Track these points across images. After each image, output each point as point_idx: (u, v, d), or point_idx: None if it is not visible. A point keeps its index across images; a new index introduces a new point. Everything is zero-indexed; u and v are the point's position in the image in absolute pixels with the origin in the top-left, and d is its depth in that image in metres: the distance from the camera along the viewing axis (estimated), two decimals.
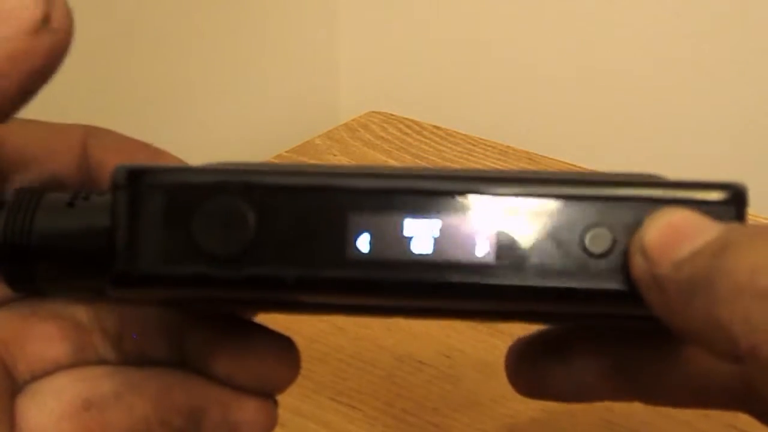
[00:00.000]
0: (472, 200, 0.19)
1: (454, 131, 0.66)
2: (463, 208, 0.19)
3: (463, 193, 0.19)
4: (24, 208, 0.22)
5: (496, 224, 0.19)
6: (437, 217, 0.19)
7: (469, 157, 0.63)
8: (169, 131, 0.61)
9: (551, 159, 0.62)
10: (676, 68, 0.61)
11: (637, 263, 0.19)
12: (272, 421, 0.23)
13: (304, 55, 0.70)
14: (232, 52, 0.64)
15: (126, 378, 0.23)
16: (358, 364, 0.42)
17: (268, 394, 0.23)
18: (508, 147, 0.64)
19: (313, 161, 0.62)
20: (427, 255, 0.19)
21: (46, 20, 0.18)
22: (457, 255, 0.19)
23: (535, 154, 0.63)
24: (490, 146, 0.64)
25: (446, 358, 0.42)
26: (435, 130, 0.66)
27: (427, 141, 0.65)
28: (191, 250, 0.19)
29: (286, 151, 0.63)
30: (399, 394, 0.41)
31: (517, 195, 0.19)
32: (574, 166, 0.62)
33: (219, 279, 0.20)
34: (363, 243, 0.19)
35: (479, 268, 0.19)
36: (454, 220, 0.19)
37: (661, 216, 0.19)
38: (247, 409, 0.23)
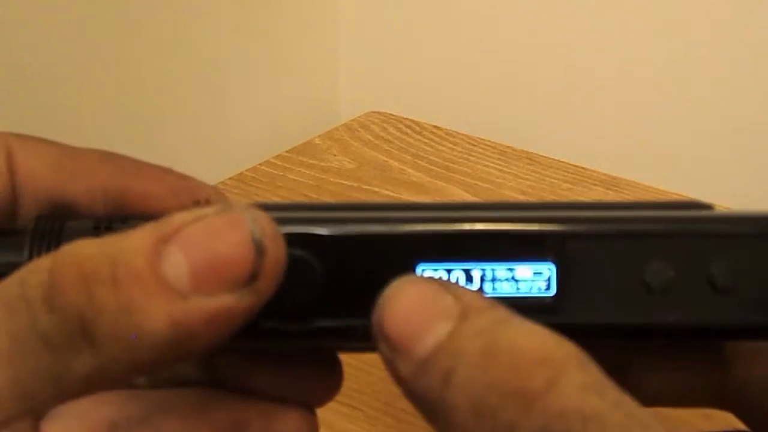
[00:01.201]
0: (534, 241, 0.19)
1: (454, 131, 0.66)
2: (525, 247, 0.19)
3: (525, 234, 0.19)
4: (47, 236, 0.21)
5: (557, 262, 0.19)
6: (502, 260, 0.19)
7: (469, 157, 0.63)
8: (169, 131, 0.61)
9: (551, 159, 0.62)
10: (677, 68, 0.61)
11: (383, 352, 0.18)
12: (315, 431, 0.23)
13: (304, 55, 0.70)
14: (232, 52, 0.64)
15: (155, 400, 0.22)
16: (358, 364, 0.42)
17: (308, 407, 0.23)
18: (508, 147, 0.64)
19: (313, 161, 0.62)
20: (491, 296, 0.19)
21: (254, 278, 0.17)
22: (520, 294, 0.19)
23: (535, 154, 0.63)
24: (490, 146, 0.64)
25: None
26: (435, 130, 0.66)
27: (427, 141, 0.65)
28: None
29: (286, 151, 0.63)
30: (399, 394, 0.40)
31: (579, 233, 0.19)
32: (574, 166, 0.62)
33: (287, 332, 0.19)
34: None
35: (542, 305, 0.19)
36: (516, 259, 0.19)
37: (395, 298, 0.18)
38: (291, 419, 0.22)
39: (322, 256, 0.19)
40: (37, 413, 0.17)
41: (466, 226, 0.19)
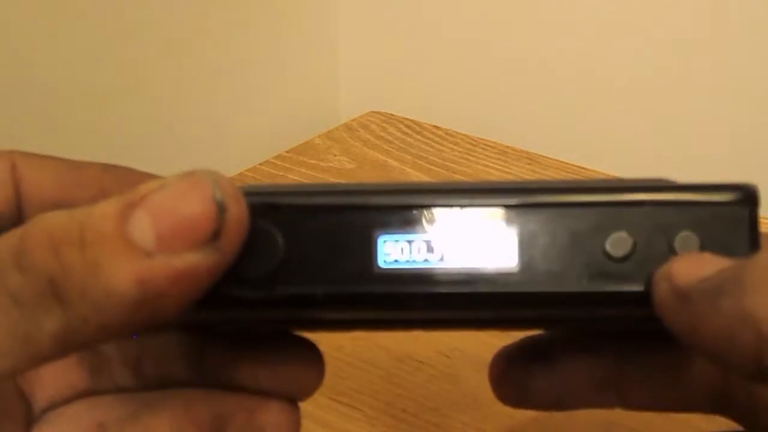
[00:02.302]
0: (495, 212, 0.20)
1: (454, 131, 0.66)
2: (486, 220, 0.20)
3: (484, 205, 0.20)
4: None
5: (519, 234, 0.20)
6: (462, 230, 0.20)
7: (469, 157, 0.63)
8: (169, 131, 0.61)
9: (551, 159, 0.62)
10: (677, 68, 0.61)
11: (662, 287, 0.19)
12: (296, 423, 0.23)
13: (304, 55, 0.70)
14: (232, 52, 0.64)
15: (143, 401, 0.23)
16: (358, 364, 0.42)
17: (291, 399, 0.23)
18: (508, 147, 0.64)
19: (313, 161, 0.62)
20: (453, 267, 0.20)
21: (216, 236, 0.17)
22: (482, 265, 0.20)
23: (535, 154, 0.63)
24: (490, 146, 0.64)
25: (446, 357, 0.42)
26: (435, 130, 0.66)
27: (427, 141, 0.65)
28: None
29: (286, 151, 0.63)
30: (399, 394, 0.41)
31: (539, 205, 0.20)
32: (574, 166, 0.62)
33: (250, 300, 0.20)
34: (389, 257, 0.20)
35: (504, 277, 0.20)
36: (477, 231, 0.20)
37: (684, 255, 0.19)
38: (272, 411, 0.23)
39: (283, 226, 0.20)
40: (9, 373, 0.18)
41: (427, 199, 0.20)
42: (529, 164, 0.62)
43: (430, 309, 0.20)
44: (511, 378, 0.25)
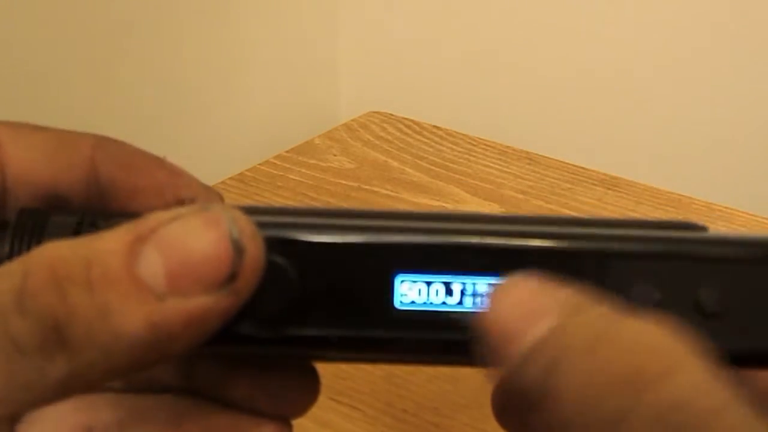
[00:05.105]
0: (517, 255, 0.19)
1: (454, 131, 0.66)
2: (509, 263, 0.18)
3: (508, 250, 0.19)
4: (29, 231, 0.20)
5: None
6: (483, 274, 0.19)
7: (469, 157, 0.63)
8: (169, 131, 0.61)
9: (551, 159, 0.62)
10: (677, 69, 0.61)
11: (485, 349, 0.17)
12: None
13: (304, 55, 0.70)
14: (232, 52, 0.64)
15: (131, 406, 0.22)
16: (358, 365, 0.42)
17: (284, 419, 0.22)
18: (507, 147, 0.64)
19: (313, 161, 0.62)
20: (470, 311, 0.19)
21: (232, 278, 0.16)
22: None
23: (535, 154, 0.63)
24: (490, 146, 0.64)
25: None
26: (435, 130, 0.66)
27: (427, 141, 0.65)
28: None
29: (286, 151, 0.63)
30: (399, 394, 0.41)
31: (565, 249, 0.19)
32: (574, 166, 0.62)
33: (260, 339, 0.19)
34: (405, 298, 0.19)
35: None
36: (501, 275, 0.18)
37: (507, 289, 0.17)
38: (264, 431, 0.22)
39: (298, 262, 0.18)
40: (10, 418, 0.17)
41: (447, 238, 0.19)
42: (529, 164, 0.62)
43: (446, 354, 0.19)
44: (513, 410, 0.24)
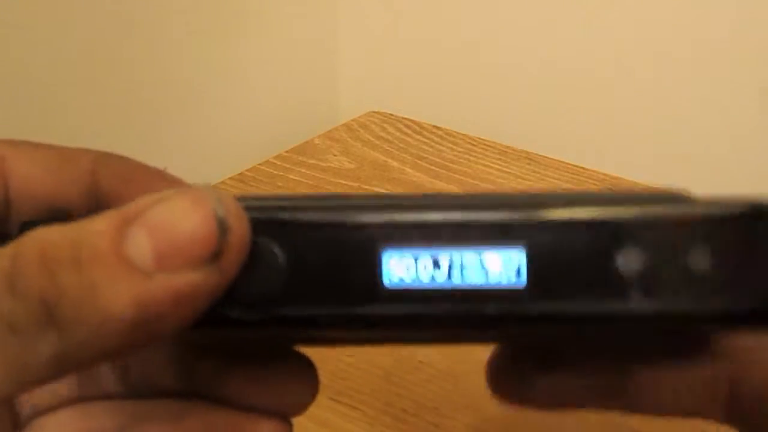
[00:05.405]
0: (503, 229, 0.19)
1: (454, 131, 0.66)
2: (496, 237, 0.19)
3: (491, 221, 0.19)
4: None
5: (527, 250, 0.19)
6: (470, 247, 0.19)
7: (469, 157, 0.63)
8: (169, 131, 0.61)
9: (551, 159, 0.62)
10: (676, 68, 0.61)
11: None
12: None
13: (304, 55, 0.70)
14: (232, 52, 0.64)
15: (132, 411, 0.22)
16: (358, 364, 0.42)
17: (284, 417, 0.23)
18: (507, 147, 0.64)
19: (313, 161, 0.62)
20: (459, 285, 0.19)
21: (218, 256, 0.17)
22: (490, 283, 0.19)
23: (535, 154, 0.63)
24: (489, 146, 0.64)
25: (446, 357, 0.42)
26: (435, 130, 0.66)
27: (427, 141, 0.65)
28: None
29: (286, 151, 0.63)
30: (399, 394, 0.41)
31: (548, 219, 0.19)
32: (574, 166, 0.62)
33: (250, 321, 0.19)
34: (394, 276, 0.19)
35: (512, 295, 0.19)
36: (488, 248, 0.19)
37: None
38: (264, 429, 0.22)
39: (286, 243, 0.19)
40: (6, 400, 0.17)
41: (432, 215, 0.19)
42: (529, 164, 0.62)
43: (435, 328, 0.19)
44: (510, 378, 0.25)
